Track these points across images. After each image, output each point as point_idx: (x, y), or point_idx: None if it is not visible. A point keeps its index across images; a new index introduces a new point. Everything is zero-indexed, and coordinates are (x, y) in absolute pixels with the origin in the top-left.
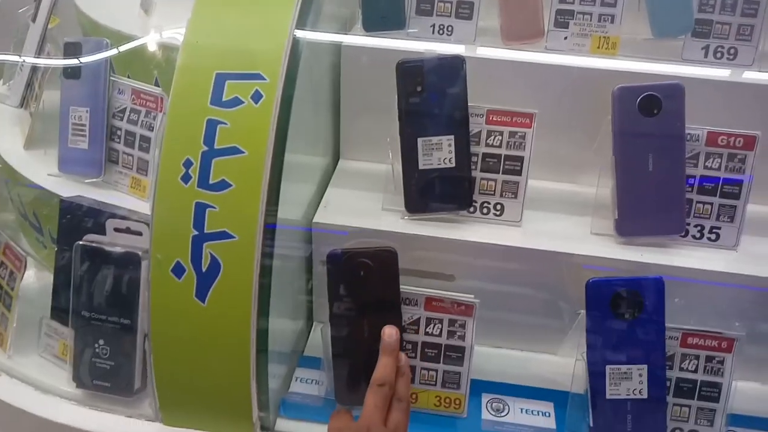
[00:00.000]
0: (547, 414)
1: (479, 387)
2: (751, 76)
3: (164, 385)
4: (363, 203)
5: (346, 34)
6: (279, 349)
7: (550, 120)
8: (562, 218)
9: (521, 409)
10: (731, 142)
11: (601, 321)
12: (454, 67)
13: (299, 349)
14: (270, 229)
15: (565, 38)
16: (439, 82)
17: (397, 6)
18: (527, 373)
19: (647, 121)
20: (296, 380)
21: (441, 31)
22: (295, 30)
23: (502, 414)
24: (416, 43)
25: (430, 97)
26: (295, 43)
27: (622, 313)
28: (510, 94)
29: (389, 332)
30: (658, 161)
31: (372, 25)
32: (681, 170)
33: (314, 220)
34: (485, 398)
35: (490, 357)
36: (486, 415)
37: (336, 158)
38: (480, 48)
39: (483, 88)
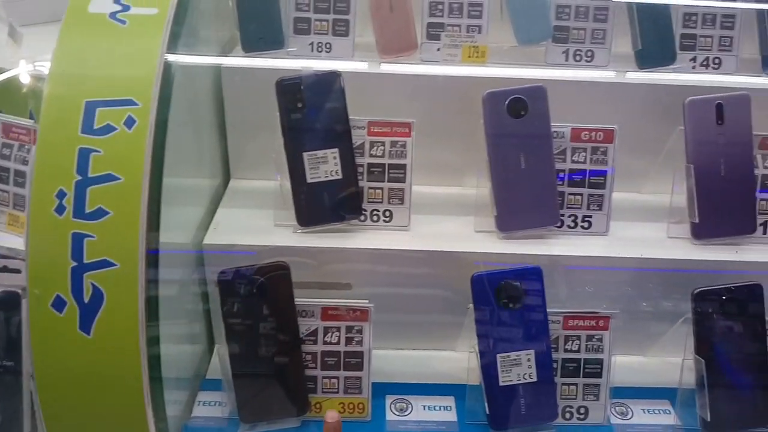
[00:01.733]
0: (448, 408)
1: (382, 389)
2: (606, 75)
3: (55, 425)
4: (255, 221)
5: (225, 55)
6: (177, 375)
7: (429, 127)
8: (448, 219)
9: (424, 406)
10: (593, 136)
11: (488, 312)
12: (331, 82)
13: (202, 372)
14: (153, 255)
15: (438, 49)
16: (318, 97)
17: (274, 26)
18: (428, 371)
19: (515, 122)
20: (199, 404)
21: (320, 49)
22: (167, 54)
23: (406, 413)
24: (293, 62)
25: (311, 113)
26: (167, 67)
27: (507, 303)
28: (390, 106)
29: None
30: (529, 159)
31: (251, 46)
32: (551, 166)
33: (204, 242)
34: (389, 399)
35: (391, 359)
36: (390, 416)
37: (227, 178)
38: (359, 63)
39: (364, 101)
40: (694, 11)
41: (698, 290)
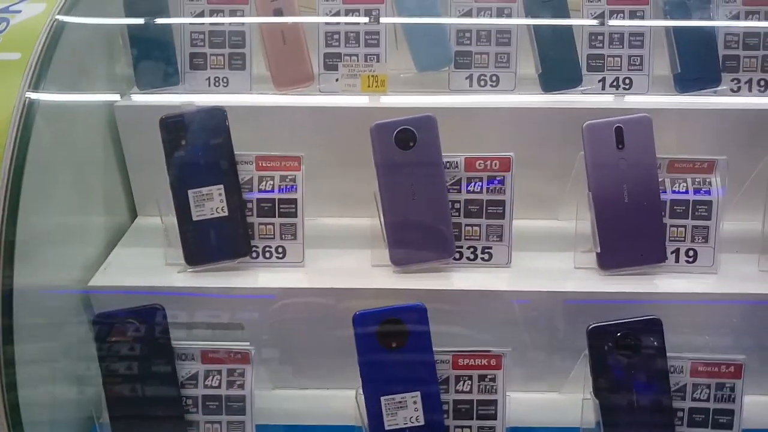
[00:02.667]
0: None
1: None
2: (511, 99)
3: None
4: (149, 260)
5: (119, 94)
6: (59, 419)
7: (315, 159)
8: (345, 253)
9: None
10: (489, 165)
11: (371, 353)
12: (215, 117)
13: (98, 414)
14: (8, 297)
15: (337, 80)
16: (202, 133)
17: (169, 62)
18: (326, 411)
19: (404, 153)
20: None
21: (217, 83)
22: (32, 96)
23: None
24: (181, 97)
25: (195, 149)
26: (30, 108)
27: (390, 342)
28: (290, 139)
29: None
30: (420, 191)
31: (146, 84)
32: (443, 197)
33: (90, 284)
34: None
35: (284, 399)
36: None
37: (133, 216)
38: (257, 96)
39: (261, 135)
40: (599, 31)
41: (593, 326)
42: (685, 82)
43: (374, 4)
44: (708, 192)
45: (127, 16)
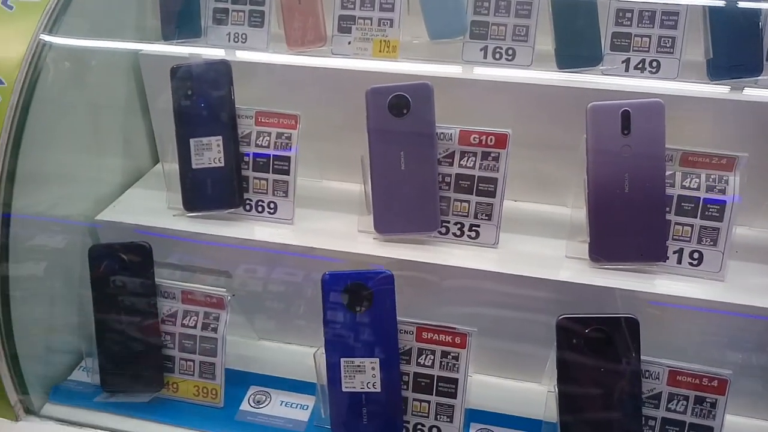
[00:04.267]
0: (305, 407)
1: (245, 379)
2: (524, 74)
3: None
4: (156, 203)
5: (143, 42)
6: (57, 337)
7: (321, 121)
8: (334, 217)
9: (282, 402)
10: (484, 140)
11: (335, 314)
12: (220, 71)
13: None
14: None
15: (349, 43)
16: (207, 85)
17: (192, 16)
18: (298, 367)
19: (397, 120)
20: (79, 368)
21: (236, 39)
22: (46, 36)
23: (262, 406)
24: (211, 50)
25: (200, 100)
26: (41, 50)
27: (354, 306)
28: (296, 98)
29: None
30: (409, 160)
31: (170, 35)
32: (432, 168)
33: (96, 217)
34: (252, 390)
35: (265, 350)
36: (245, 406)
37: (155, 161)
38: (270, 54)
39: (271, 92)
40: (628, 7)
41: (562, 317)
42: (717, 69)
43: None
44: (722, 191)
45: None
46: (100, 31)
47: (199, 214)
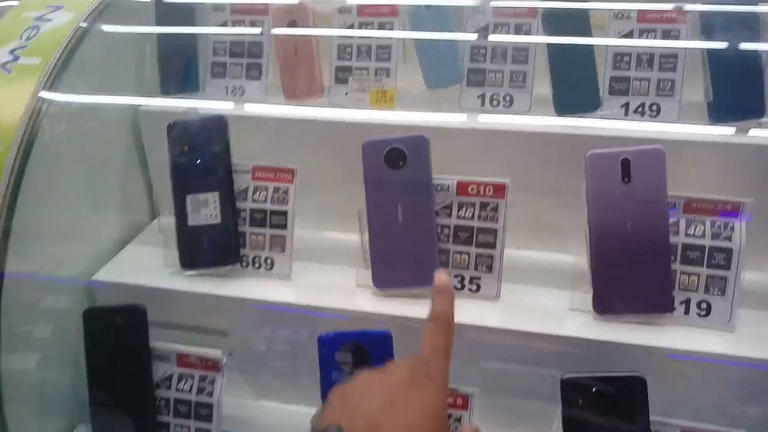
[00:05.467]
0: None
1: None
2: (520, 121)
3: None
4: (154, 260)
5: (142, 96)
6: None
7: (319, 172)
8: (331, 270)
9: None
10: (482, 190)
11: (332, 376)
12: (217, 127)
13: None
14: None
15: (346, 93)
16: (204, 141)
17: (191, 70)
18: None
19: (393, 173)
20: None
21: (234, 92)
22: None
23: None
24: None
25: (196, 156)
26: (40, 110)
27: (352, 367)
28: (294, 149)
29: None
30: (407, 213)
31: (169, 89)
32: (430, 221)
33: (93, 277)
34: None
35: (264, 411)
36: None
37: (153, 216)
38: (267, 106)
39: (268, 145)
40: (626, 51)
41: (566, 377)
42: (719, 111)
43: (388, 18)
44: (729, 238)
45: (158, 24)
46: (99, 86)
47: (196, 271)
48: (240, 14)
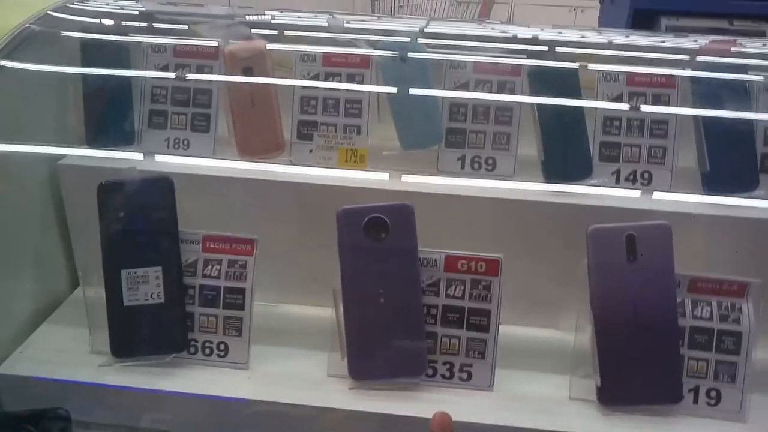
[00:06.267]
0: None
1: None
2: (508, 186)
3: None
4: (76, 344)
5: (62, 147)
6: None
7: (278, 238)
8: (297, 357)
9: None
10: (473, 266)
11: None
12: (160, 188)
13: None
14: None
15: (311, 151)
16: (144, 205)
17: (124, 119)
18: None
19: (374, 245)
20: None
21: (177, 145)
22: None
23: None
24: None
25: (134, 223)
26: None
27: None
28: (250, 213)
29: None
30: (389, 291)
31: (97, 141)
32: (416, 300)
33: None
34: None
35: None
36: None
37: (74, 286)
38: (219, 162)
39: (219, 207)
40: (616, 116)
41: None
42: (714, 183)
43: (358, 69)
44: (737, 321)
45: (84, 63)
46: (12, 134)
47: (132, 361)
48: (185, 57)
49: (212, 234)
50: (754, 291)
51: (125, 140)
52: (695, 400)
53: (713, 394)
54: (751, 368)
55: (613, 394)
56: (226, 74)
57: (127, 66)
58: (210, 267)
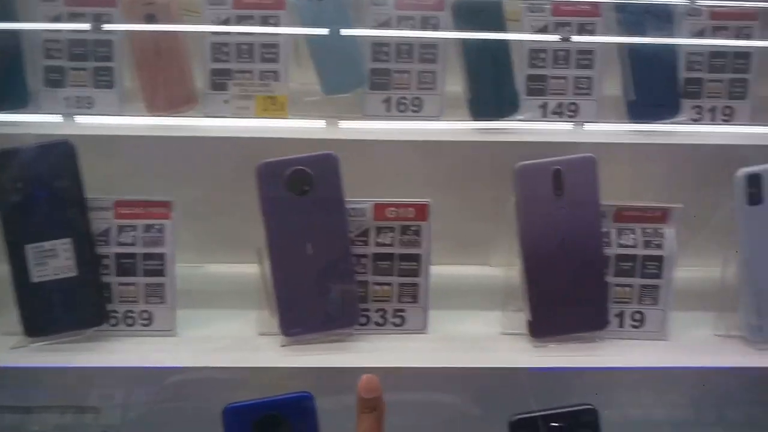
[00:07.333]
0: None
1: None
2: (441, 126)
3: None
4: None
5: None
6: None
7: (197, 197)
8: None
9: None
10: (402, 213)
11: None
12: (62, 154)
13: None
14: None
15: (226, 101)
16: (44, 174)
17: (15, 78)
18: None
19: (298, 199)
20: None
21: (79, 105)
22: None
23: None
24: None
25: (36, 194)
26: None
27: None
28: (165, 173)
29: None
30: (317, 245)
31: None
32: (345, 251)
33: None
34: None
35: None
36: None
37: None
38: (127, 119)
39: (131, 169)
40: (541, 47)
41: (516, 418)
42: (640, 111)
43: (272, 11)
44: (660, 246)
45: None
46: None
47: (48, 340)
48: (77, 5)
49: (124, 199)
50: (675, 216)
51: (18, 102)
52: (621, 324)
53: (637, 317)
54: (673, 289)
55: (544, 326)
56: (125, 23)
57: (13, 18)
58: (124, 234)
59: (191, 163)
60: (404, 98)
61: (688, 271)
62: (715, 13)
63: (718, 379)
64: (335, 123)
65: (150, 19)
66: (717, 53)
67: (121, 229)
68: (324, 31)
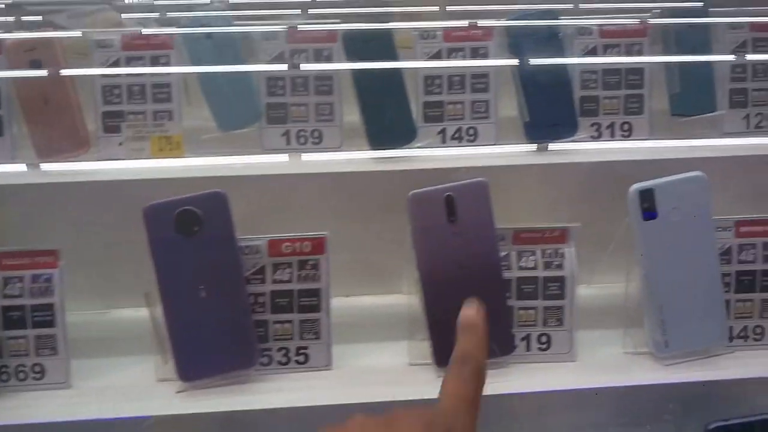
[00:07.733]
0: None
1: None
2: (337, 157)
3: None
4: None
5: None
6: None
7: (96, 243)
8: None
9: None
10: (298, 247)
11: None
12: None
13: None
14: None
15: (120, 144)
16: None
17: None
18: None
19: (187, 240)
20: None
21: None
22: None
23: None
24: None
25: None
26: None
27: None
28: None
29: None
30: (210, 287)
31: None
32: (239, 291)
33: None
34: None
35: None
36: None
37: None
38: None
39: (21, 218)
40: (436, 74)
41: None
42: (536, 131)
43: (161, 51)
44: (560, 266)
45: None
46: None
47: None
48: None
49: (8, 250)
50: (574, 235)
51: None
52: (528, 348)
53: (544, 339)
54: (576, 309)
55: (447, 355)
56: (9, 69)
57: None
58: (10, 285)
59: (84, 209)
60: (304, 131)
61: (594, 288)
62: (605, 32)
63: (627, 397)
64: (231, 160)
65: (35, 64)
66: (610, 70)
67: (7, 281)
68: (219, 68)
